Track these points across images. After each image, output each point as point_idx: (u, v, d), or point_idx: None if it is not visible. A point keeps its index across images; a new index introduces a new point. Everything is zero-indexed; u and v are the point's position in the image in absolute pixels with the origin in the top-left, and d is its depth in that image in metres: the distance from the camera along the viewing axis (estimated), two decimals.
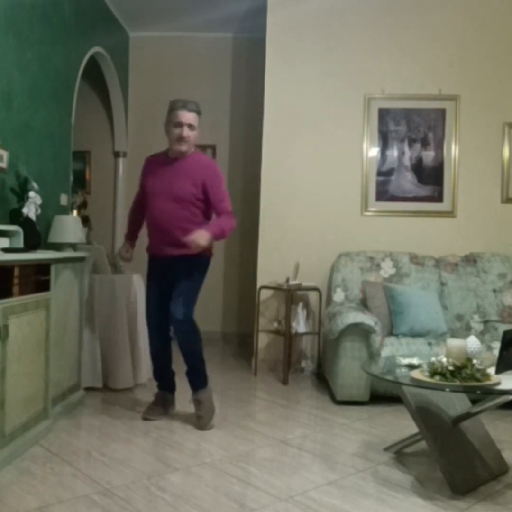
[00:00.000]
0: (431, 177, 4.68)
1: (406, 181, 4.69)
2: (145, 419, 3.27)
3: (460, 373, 2.35)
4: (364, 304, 4.16)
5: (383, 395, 3.65)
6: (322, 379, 4.35)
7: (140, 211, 3.46)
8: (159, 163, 3.35)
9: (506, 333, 2.42)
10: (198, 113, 3.24)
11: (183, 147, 3.22)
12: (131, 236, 3.54)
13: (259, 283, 4.64)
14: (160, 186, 3.25)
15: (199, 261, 3.27)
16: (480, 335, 3.98)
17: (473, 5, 4.64)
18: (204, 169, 3.26)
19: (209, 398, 3.29)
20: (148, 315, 3.38)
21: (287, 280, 4.37)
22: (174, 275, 3.26)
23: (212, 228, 3.17)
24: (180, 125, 3.18)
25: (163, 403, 3.40)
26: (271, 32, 4.74)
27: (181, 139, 3.19)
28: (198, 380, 3.31)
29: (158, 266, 3.33)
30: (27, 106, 3.65)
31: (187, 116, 3.18)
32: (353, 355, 3.64)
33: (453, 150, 4.65)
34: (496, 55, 4.63)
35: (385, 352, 3.62)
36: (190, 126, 3.20)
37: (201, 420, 3.18)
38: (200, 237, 3.05)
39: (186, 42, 6.10)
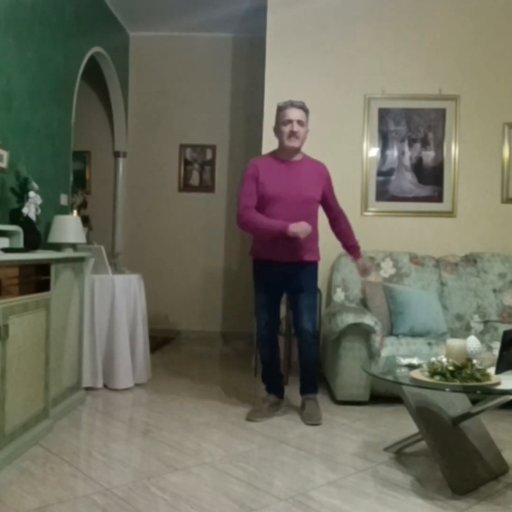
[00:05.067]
0: (431, 177, 4.68)
1: (406, 181, 4.69)
2: (249, 420, 3.28)
3: (460, 373, 2.35)
4: (364, 304, 4.16)
5: (383, 395, 3.65)
6: (322, 379, 4.35)
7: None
8: (273, 167, 3.33)
9: (506, 333, 2.42)
10: (306, 111, 3.32)
11: (295, 143, 3.29)
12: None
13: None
14: (286, 190, 3.26)
15: (317, 267, 3.45)
16: (480, 335, 3.97)
17: (473, 5, 4.64)
18: (322, 171, 3.43)
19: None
20: (260, 321, 3.39)
21: None
22: (294, 282, 3.33)
23: (359, 250, 3.57)
24: (289, 121, 3.26)
25: (269, 406, 3.44)
26: (271, 32, 4.74)
27: (292, 134, 3.27)
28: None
29: (273, 271, 3.32)
30: (27, 106, 3.65)
31: (295, 113, 3.27)
32: (353, 355, 3.64)
33: (453, 150, 4.65)
34: (496, 55, 4.63)
35: (385, 352, 3.62)
36: (299, 122, 3.27)
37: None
38: (370, 267, 3.50)
39: (186, 42, 6.11)
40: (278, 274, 3.33)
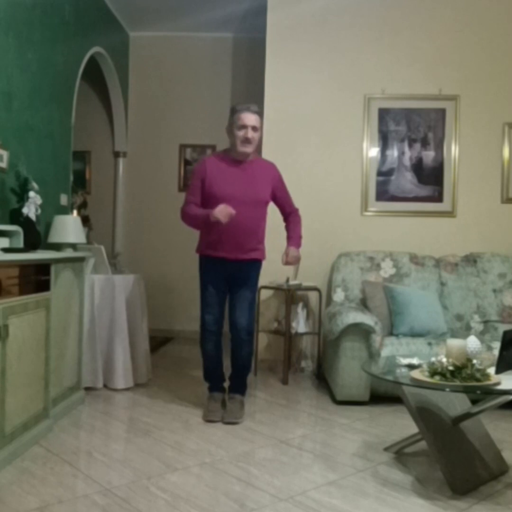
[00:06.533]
0: (431, 177, 4.68)
1: (406, 181, 4.69)
2: (209, 421, 3.25)
3: (460, 373, 2.35)
4: (364, 304, 4.16)
5: (383, 395, 3.65)
6: (322, 379, 4.36)
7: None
8: (223, 167, 3.33)
9: (506, 333, 2.42)
10: (260, 115, 3.33)
11: (248, 149, 3.29)
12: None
13: (259, 283, 4.63)
14: (235, 190, 3.26)
15: (260, 265, 3.47)
16: (480, 335, 3.98)
17: (473, 5, 4.64)
18: (272, 172, 3.44)
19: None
20: (207, 317, 3.36)
21: (287, 280, 4.37)
22: (237, 278, 3.36)
23: (298, 241, 3.44)
24: (244, 127, 3.25)
25: (222, 403, 3.45)
26: (271, 32, 4.74)
27: (246, 141, 3.25)
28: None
29: (220, 269, 3.34)
30: (27, 106, 3.65)
31: (251, 118, 3.26)
32: (353, 355, 3.64)
33: (453, 150, 4.65)
34: (496, 55, 4.63)
35: (385, 352, 3.62)
36: (254, 128, 3.27)
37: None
38: (297, 257, 3.36)
39: (186, 42, 6.11)
40: (223, 271, 3.35)
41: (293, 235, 3.49)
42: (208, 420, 3.25)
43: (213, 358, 3.45)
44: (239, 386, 3.49)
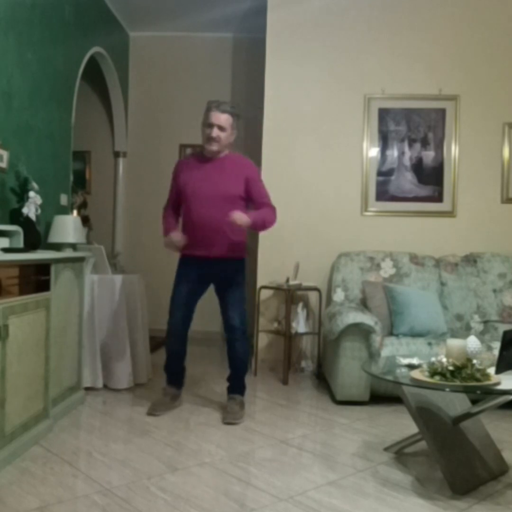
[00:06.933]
0: (431, 177, 4.68)
1: (406, 181, 4.69)
2: (150, 414, 3.31)
3: (460, 373, 2.35)
4: (364, 304, 4.16)
5: (383, 395, 3.65)
6: (322, 379, 4.36)
7: (175, 213, 3.52)
8: (195, 165, 3.36)
9: (506, 333, 2.42)
10: (233, 114, 3.26)
11: (213, 147, 3.27)
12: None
13: (259, 283, 4.64)
14: (205, 186, 3.27)
15: (243, 262, 3.42)
16: (480, 335, 3.98)
17: (473, 5, 4.64)
18: (244, 167, 3.36)
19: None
20: (172, 318, 3.40)
21: (287, 280, 4.37)
22: (223, 278, 3.37)
23: (253, 215, 3.23)
24: (210, 125, 3.23)
25: (171, 399, 3.48)
26: (271, 32, 4.75)
27: (210, 139, 3.24)
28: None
29: (198, 267, 3.35)
30: (27, 106, 3.65)
31: (218, 117, 3.23)
32: (353, 355, 3.64)
33: (453, 150, 4.65)
34: (496, 55, 4.63)
35: (385, 352, 3.62)
36: (220, 128, 3.23)
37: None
38: (239, 216, 3.12)
39: (186, 42, 6.11)
40: (202, 271, 3.35)
41: (256, 211, 3.27)
42: (149, 413, 3.32)
43: (174, 355, 3.49)
44: (238, 387, 3.49)
